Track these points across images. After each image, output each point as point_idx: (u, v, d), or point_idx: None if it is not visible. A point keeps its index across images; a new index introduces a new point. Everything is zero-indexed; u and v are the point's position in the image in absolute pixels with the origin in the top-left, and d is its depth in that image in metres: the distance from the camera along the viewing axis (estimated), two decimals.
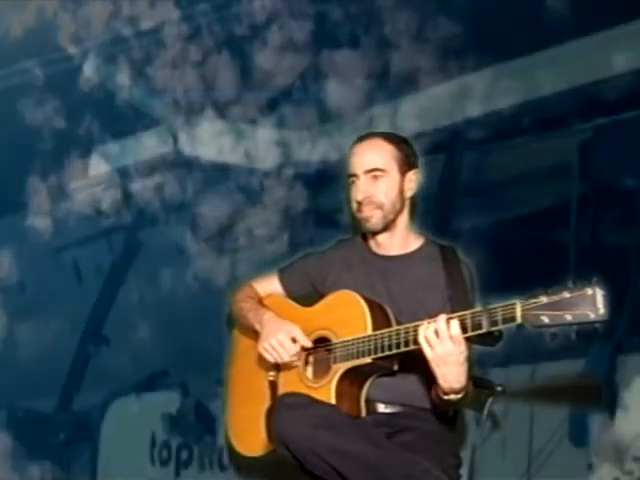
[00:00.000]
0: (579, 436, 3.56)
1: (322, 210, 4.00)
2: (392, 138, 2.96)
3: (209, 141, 4.15)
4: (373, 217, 2.89)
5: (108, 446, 4.39)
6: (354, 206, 2.93)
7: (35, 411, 4.50)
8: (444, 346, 2.56)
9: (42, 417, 4.50)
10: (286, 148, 4.06)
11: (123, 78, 4.19)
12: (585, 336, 2.55)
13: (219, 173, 4.15)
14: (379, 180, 2.89)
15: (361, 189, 2.89)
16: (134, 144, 4.33)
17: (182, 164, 4.21)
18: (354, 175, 2.92)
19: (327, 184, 3.97)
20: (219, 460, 4.12)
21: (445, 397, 2.64)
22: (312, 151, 4.01)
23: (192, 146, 4.16)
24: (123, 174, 4.33)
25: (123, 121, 4.33)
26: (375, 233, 2.94)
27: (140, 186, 4.28)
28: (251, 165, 4.10)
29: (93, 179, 4.36)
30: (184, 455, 4.24)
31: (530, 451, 3.61)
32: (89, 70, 4.29)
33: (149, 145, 4.27)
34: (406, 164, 2.93)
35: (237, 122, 4.13)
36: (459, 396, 2.64)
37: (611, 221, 3.63)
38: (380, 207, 2.88)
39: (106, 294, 4.42)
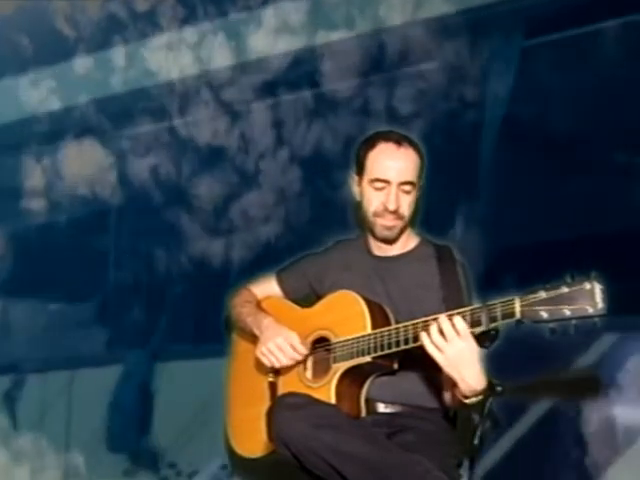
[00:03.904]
0: (114, 443, 3.76)
1: (317, 192, 4.00)
2: (417, 147, 2.93)
3: (204, 123, 4.13)
4: (395, 227, 2.90)
5: None
6: (375, 209, 2.90)
7: None
8: (454, 346, 2.50)
9: None
10: (281, 130, 4.05)
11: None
12: None
13: (214, 155, 4.14)
14: (409, 194, 2.89)
15: (394, 200, 2.86)
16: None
17: (177, 145, 4.20)
18: (386, 181, 2.88)
19: (322, 166, 3.96)
20: None
21: (467, 400, 2.56)
22: (307, 133, 4.00)
23: (187, 128, 4.14)
24: (118, 155, 4.32)
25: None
26: (385, 240, 2.96)
27: (135, 167, 4.27)
28: (246, 147, 4.09)
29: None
30: None
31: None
32: None
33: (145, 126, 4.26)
34: (422, 173, 2.94)
35: (232, 104, 4.11)
36: (481, 397, 2.55)
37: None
38: (402, 219, 2.90)
39: None
